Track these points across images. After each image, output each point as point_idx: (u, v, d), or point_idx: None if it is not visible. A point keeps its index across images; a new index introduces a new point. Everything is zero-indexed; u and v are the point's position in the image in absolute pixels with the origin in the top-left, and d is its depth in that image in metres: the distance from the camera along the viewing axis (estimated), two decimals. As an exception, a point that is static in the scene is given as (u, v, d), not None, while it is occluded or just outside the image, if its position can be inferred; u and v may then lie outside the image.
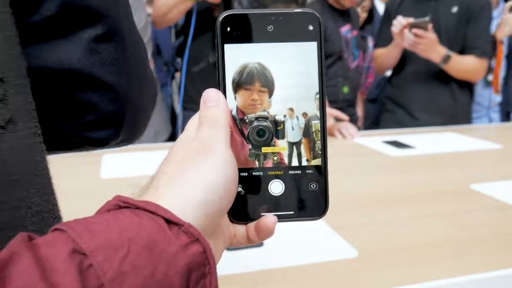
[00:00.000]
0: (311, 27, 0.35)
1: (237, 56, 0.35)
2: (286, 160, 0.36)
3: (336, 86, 1.99)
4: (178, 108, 1.89)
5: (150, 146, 1.64)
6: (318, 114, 0.35)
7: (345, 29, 2.03)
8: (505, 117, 2.40)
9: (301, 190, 0.36)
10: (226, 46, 0.35)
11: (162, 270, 0.24)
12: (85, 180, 1.24)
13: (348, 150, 1.61)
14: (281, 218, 0.35)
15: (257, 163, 0.35)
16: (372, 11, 2.66)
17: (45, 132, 0.33)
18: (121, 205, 0.27)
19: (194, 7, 1.77)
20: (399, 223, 0.95)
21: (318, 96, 0.35)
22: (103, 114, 0.39)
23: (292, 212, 0.36)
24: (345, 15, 2.05)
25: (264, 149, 0.35)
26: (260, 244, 0.82)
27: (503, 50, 2.24)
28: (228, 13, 0.34)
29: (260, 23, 0.35)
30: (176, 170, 0.30)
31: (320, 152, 0.36)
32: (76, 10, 0.36)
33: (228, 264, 0.75)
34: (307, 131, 0.35)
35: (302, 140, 0.36)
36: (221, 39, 0.34)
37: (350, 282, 0.73)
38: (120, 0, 0.40)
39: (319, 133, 0.36)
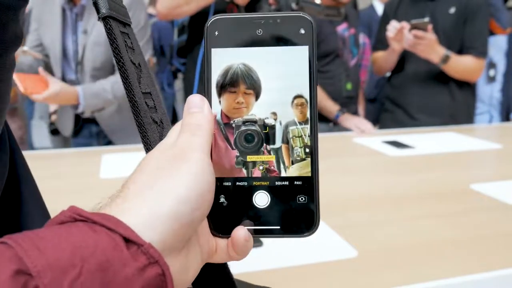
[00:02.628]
0: (302, 31, 0.33)
1: (223, 60, 0.33)
2: (276, 169, 0.33)
3: (337, 84, 2.01)
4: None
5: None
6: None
7: (341, 28, 2.04)
8: (505, 117, 2.41)
9: (288, 203, 0.33)
10: (214, 50, 0.33)
11: None
12: (84, 180, 1.24)
13: (348, 150, 1.61)
14: (266, 233, 0.32)
15: (244, 171, 0.33)
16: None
17: None
18: (76, 218, 0.25)
19: (211, 7, 1.72)
20: (399, 223, 0.95)
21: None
22: None
23: (278, 227, 0.32)
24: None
25: (250, 158, 0.33)
26: (260, 244, 0.82)
27: None
28: (217, 17, 0.34)
29: (249, 27, 0.33)
30: (148, 179, 0.28)
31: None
32: None
33: (228, 264, 0.75)
34: (285, 137, 0.33)
35: (282, 146, 0.33)
36: (208, 44, 0.33)
37: (350, 282, 0.73)
38: None
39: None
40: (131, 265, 0.23)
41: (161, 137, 0.35)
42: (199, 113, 0.31)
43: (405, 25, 1.86)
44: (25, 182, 0.39)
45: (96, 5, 0.34)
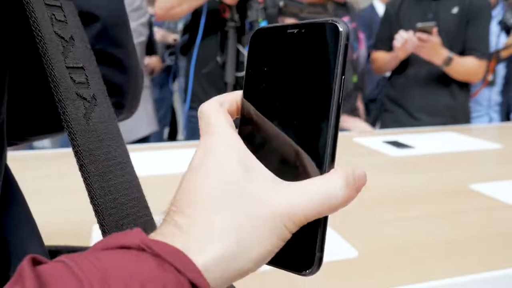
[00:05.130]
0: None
1: None
2: None
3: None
4: (185, 107, 1.89)
5: (148, 146, 1.64)
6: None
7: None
8: (505, 117, 2.40)
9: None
10: None
11: None
12: (85, 180, 1.24)
13: (348, 150, 1.61)
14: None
15: None
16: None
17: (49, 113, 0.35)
18: (145, 249, 0.23)
19: (204, 7, 1.74)
20: (399, 223, 0.95)
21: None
22: (111, 85, 0.43)
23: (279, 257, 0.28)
24: (344, 6, 2.07)
25: None
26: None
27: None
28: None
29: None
30: (230, 220, 0.26)
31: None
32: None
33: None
34: None
35: None
36: None
37: (350, 282, 0.73)
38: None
39: None
40: None
41: (91, 113, 0.34)
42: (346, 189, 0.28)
43: (412, 34, 1.86)
44: (16, 203, 0.38)
45: None
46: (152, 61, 2.52)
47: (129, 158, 0.37)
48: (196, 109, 1.85)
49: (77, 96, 0.34)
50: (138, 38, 1.80)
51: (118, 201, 0.34)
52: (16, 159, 1.32)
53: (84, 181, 0.33)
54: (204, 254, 0.25)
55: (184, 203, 0.27)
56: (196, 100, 1.85)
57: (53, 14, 0.34)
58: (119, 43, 0.46)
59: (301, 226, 0.27)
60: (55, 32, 0.34)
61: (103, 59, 0.44)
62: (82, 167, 0.33)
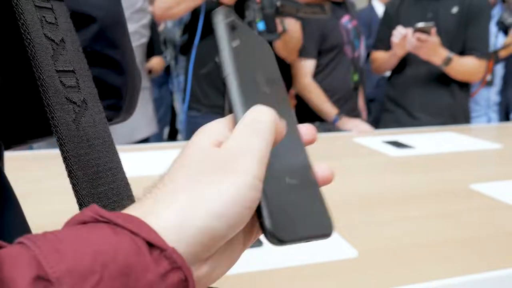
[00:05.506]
0: None
1: None
2: None
3: (343, 77, 2.04)
4: (184, 107, 1.88)
5: (148, 146, 1.64)
6: None
7: (344, 20, 2.05)
8: (504, 117, 2.41)
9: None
10: None
11: None
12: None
13: (348, 150, 1.61)
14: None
15: None
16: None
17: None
18: (98, 219, 0.24)
19: (203, 6, 1.74)
20: (399, 223, 0.95)
21: None
22: (108, 87, 0.44)
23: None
24: (343, 5, 2.06)
25: None
26: (260, 244, 0.82)
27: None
28: None
29: None
30: (186, 181, 0.26)
31: None
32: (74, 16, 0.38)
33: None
34: None
35: None
36: None
37: (350, 282, 0.73)
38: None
39: None
40: (153, 271, 0.23)
41: (81, 117, 0.34)
42: (266, 108, 0.28)
43: (411, 31, 1.85)
44: (11, 208, 0.37)
45: None
46: (153, 62, 2.52)
47: (121, 163, 0.36)
48: (195, 109, 1.85)
49: (67, 100, 0.33)
50: (140, 40, 1.79)
51: (107, 208, 0.33)
52: (15, 159, 1.32)
53: (73, 187, 0.33)
54: (156, 214, 0.24)
55: (168, 175, 0.27)
56: (195, 100, 1.85)
57: (43, 16, 0.34)
58: (117, 44, 0.45)
59: (256, 161, 0.26)
60: (45, 34, 0.33)
61: (100, 60, 0.43)
62: (70, 173, 0.33)
